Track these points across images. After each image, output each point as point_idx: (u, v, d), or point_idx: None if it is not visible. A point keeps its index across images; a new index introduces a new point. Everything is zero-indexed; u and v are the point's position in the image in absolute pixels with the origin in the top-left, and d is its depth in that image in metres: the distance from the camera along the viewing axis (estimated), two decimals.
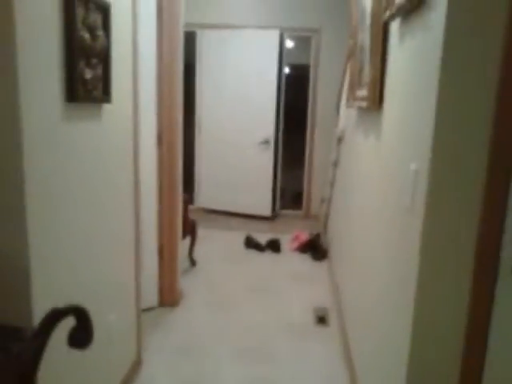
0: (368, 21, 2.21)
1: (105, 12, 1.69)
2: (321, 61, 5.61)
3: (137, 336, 2.44)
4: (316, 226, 5.37)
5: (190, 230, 3.86)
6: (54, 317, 1.12)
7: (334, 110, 5.31)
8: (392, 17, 1.76)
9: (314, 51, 5.63)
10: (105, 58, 1.73)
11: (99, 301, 1.92)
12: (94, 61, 1.64)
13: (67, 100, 1.52)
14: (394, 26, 1.85)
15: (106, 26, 1.71)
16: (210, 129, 5.79)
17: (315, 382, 2.44)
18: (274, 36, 5.36)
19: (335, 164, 4.47)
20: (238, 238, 4.86)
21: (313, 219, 5.78)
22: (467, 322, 1.32)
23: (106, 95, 1.77)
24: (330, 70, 5.53)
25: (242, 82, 5.54)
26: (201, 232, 4.36)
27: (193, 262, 4.03)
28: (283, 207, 6.15)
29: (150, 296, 3.12)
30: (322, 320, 3.09)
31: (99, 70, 1.69)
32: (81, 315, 1.18)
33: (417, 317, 1.36)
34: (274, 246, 4.57)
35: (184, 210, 3.50)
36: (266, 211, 5.71)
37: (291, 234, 4.91)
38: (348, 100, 3.24)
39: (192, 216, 4.09)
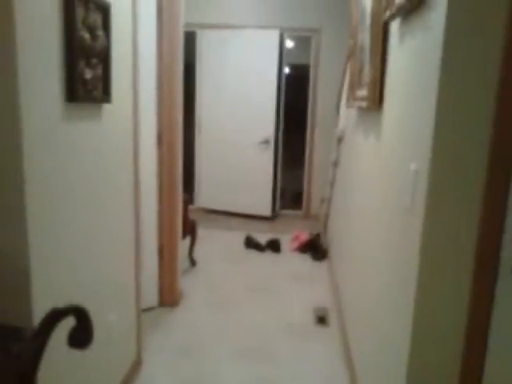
0: (368, 21, 2.21)
1: (105, 12, 1.69)
2: (321, 61, 5.61)
3: (137, 336, 2.44)
4: (316, 225, 5.37)
5: (189, 229, 3.86)
6: (54, 317, 1.12)
7: (333, 110, 5.31)
8: (392, 17, 1.76)
9: (314, 51, 5.63)
10: (105, 58, 1.73)
11: (99, 301, 1.92)
12: (94, 61, 1.64)
13: (67, 100, 1.52)
14: (394, 26, 1.85)
15: (106, 25, 1.71)
16: (210, 129, 5.79)
17: (315, 382, 2.44)
18: (273, 36, 5.36)
19: (335, 164, 4.47)
20: (238, 238, 4.86)
21: (313, 219, 5.78)
22: (467, 322, 1.32)
23: (105, 95, 1.77)
24: (330, 70, 5.53)
25: (241, 81, 5.54)
26: (201, 232, 4.36)
27: (193, 262, 4.03)
28: (283, 207, 6.15)
29: (150, 296, 3.12)
30: (322, 320, 3.09)
31: (99, 70, 1.69)
32: (81, 315, 1.18)
33: (417, 317, 1.36)
34: (274, 246, 4.57)
35: (184, 210, 3.50)
36: (266, 211, 5.71)
37: (291, 234, 4.91)
38: (348, 100, 3.24)
39: (192, 216, 4.09)
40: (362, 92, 2.40)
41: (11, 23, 1.22)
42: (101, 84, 1.72)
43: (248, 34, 5.46)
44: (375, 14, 2.04)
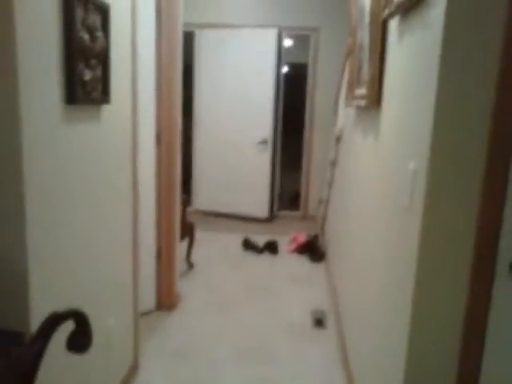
0: (367, 19, 2.22)
1: (104, 13, 1.68)
2: (319, 59, 5.61)
3: (134, 340, 2.43)
4: (314, 227, 5.37)
5: (187, 231, 3.85)
6: (54, 321, 1.11)
7: (332, 109, 5.31)
8: (391, 15, 1.76)
9: (313, 50, 5.64)
10: (104, 59, 1.72)
11: (97, 304, 1.91)
12: (94, 62, 1.64)
13: (66, 102, 1.51)
14: (393, 24, 1.85)
15: (105, 26, 1.70)
16: (209, 129, 5.78)
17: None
18: (272, 35, 5.36)
19: (333, 164, 4.48)
20: (236, 239, 4.85)
21: (310, 220, 5.78)
22: (465, 322, 1.32)
23: (105, 96, 1.76)
24: (329, 68, 5.53)
25: (240, 81, 5.54)
26: (198, 234, 4.35)
27: (190, 265, 4.02)
28: (281, 208, 6.15)
29: (148, 299, 3.10)
30: (319, 322, 3.09)
31: (98, 71, 1.69)
32: (80, 319, 1.17)
33: (415, 317, 1.36)
34: (271, 247, 4.57)
35: (182, 212, 3.50)
36: (264, 213, 5.70)
37: (289, 236, 4.91)
38: (347, 99, 3.25)
39: (190, 218, 4.08)
40: (361, 91, 2.41)
41: (11, 24, 1.21)
42: (100, 85, 1.72)
43: (246, 34, 5.45)
44: (374, 12, 2.04)
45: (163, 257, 3.14)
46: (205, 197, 5.92)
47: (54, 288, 1.53)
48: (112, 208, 2.00)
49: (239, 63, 5.51)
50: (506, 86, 1.18)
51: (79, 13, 1.50)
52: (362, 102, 2.34)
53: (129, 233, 2.25)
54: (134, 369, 2.43)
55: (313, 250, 4.51)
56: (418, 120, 1.39)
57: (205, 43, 5.59)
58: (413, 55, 1.52)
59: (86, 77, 1.58)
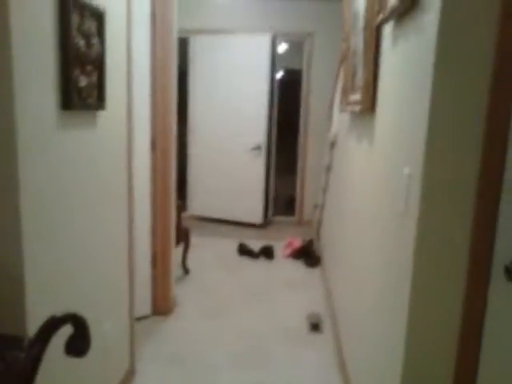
0: (361, 24, 2.23)
1: (99, 19, 1.69)
2: (313, 65, 5.63)
3: (130, 345, 2.42)
4: (309, 232, 5.37)
5: (183, 237, 3.84)
6: (53, 325, 1.11)
7: (326, 115, 5.33)
8: (385, 20, 1.77)
9: (307, 55, 5.66)
10: (99, 65, 1.73)
11: (93, 309, 1.90)
12: (89, 68, 1.64)
13: (62, 108, 1.51)
14: (387, 29, 1.86)
15: (101, 33, 1.71)
16: (203, 135, 5.79)
17: None
18: (266, 40, 5.37)
19: (328, 169, 4.49)
20: (231, 245, 4.85)
21: (306, 225, 5.79)
22: (461, 325, 1.33)
23: (100, 102, 1.76)
24: (323, 74, 5.55)
25: (234, 87, 5.54)
26: (194, 240, 4.35)
27: (186, 270, 4.01)
28: (276, 213, 6.15)
29: (144, 304, 3.09)
30: (315, 327, 3.08)
31: (94, 77, 1.69)
32: (79, 323, 1.17)
33: (411, 321, 1.37)
34: (267, 252, 4.57)
35: (177, 217, 3.49)
36: (258, 219, 5.70)
37: (284, 241, 4.91)
38: (341, 104, 3.26)
39: (185, 224, 4.07)
40: (355, 96, 2.42)
41: (7, 30, 1.21)
42: (95, 91, 1.72)
43: (240, 39, 5.47)
44: (368, 18, 2.05)
45: (159, 262, 3.13)
46: (200, 202, 5.91)
47: (51, 293, 1.52)
48: (107, 213, 1.99)
49: (233, 69, 5.52)
50: (500, 89, 1.19)
51: (75, 19, 1.51)
52: (357, 108, 2.35)
53: (124, 238, 2.24)
54: (130, 373, 2.42)
55: (308, 254, 4.51)
56: (413, 125, 1.40)
57: (199, 49, 5.61)
58: (407, 60, 1.53)
59: (81, 83, 1.59)
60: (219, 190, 5.78)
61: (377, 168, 1.96)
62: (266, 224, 5.81)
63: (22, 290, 1.36)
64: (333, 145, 4.29)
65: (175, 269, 3.45)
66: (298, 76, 5.95)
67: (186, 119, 5.73)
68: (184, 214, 5.09)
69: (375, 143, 2.03)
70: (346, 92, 2.92)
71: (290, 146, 6.39)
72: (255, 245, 4.73)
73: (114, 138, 2.03)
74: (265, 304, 3.48)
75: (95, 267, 1.89)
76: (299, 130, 5.84)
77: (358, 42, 2.33)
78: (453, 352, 1.35)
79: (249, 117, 5.55)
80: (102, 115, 1.85)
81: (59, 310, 1.17)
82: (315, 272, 4.25)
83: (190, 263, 4.14)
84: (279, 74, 6.59)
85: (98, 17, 1.68)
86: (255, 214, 5.70)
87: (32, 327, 1.39)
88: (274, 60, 5.58)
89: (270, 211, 6.04)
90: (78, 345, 1.19)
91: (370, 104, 2.05)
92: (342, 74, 3.58)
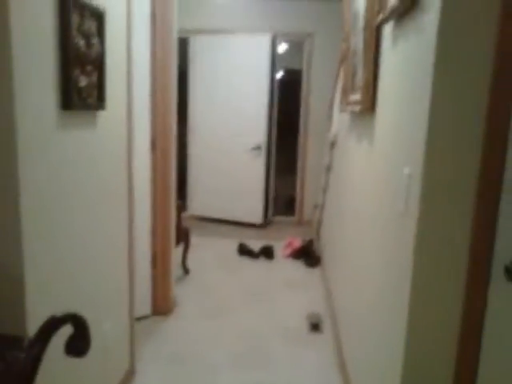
0: (361, 24, 2.23)
1: (100, 19, 1.69)
2: (313, 65, 5.63)
3: (130, 345, 2.42)
4: (309, 232, 5.37)
5: (183, 237, 3.84)
6: (53, 325, 1.11)
7: (326, 115, 5.33)
8: (385, 20, 1.77)
9: (307, 55, 5.66)
10: (99, 65, 1.73)
11: (93, 309, 1.90)
12: (89, 68, 1.64)
13: (62, 108, 1.51)
14: (387, 30, 1.86)
15: (101, 33, 1.71)
16: (203, 135, 5.79)
17: None
18: (266, 41, 5.37)
19: (328, 169, 4.49)
20: (231, 245, 4.85)
21: (306, 225, 5.79)
22: (461, 326, 1.33)
23: (100, 102, 1.76)
24: (323, 74, 5.54)
25: (234, 87, 5.55)
26: (194, 240, 4.35)
27: (186, 270, 4.01)
28: (276, 213, 6.15)
29: (144, 304, 3.09)
30: (315, 327, 3.08)
31: (94, 78, 1.69)
32: (79, 323, 1.17)
33: (411, 321, 1.37)
34: (267, 252, 4.57)
35: (177, 217, 3.49)
36: (258, 219, 5.70)
37: (284, 241, 4.91)
38: (341, 104, 3.26)
39: (185, 224, 4.07)
40: (355, 96, 2.42)
41: (7, 30, 1.22)
42: (95, 91, 1.72)
43: (240, 39, 5.47)
44: (368, 18, 2.05)
45: (159, 262, 3.13)
46: (200, 202, 5.92)
47: (51, 293, 1.52)
48: (107, 213, 1.99)
49: (233, 69, 5.52)
50: (500, 89, 1.19)
51: (75, 19, 1.51)
52: (357, 108, 2.35)
53: (124, 238, 2.24)
54: (130, 373, 2.42)
55: (308, 254, 4.51)
56: (413, 125, 1.40)
57: (199, 49, 5.61)
58: (407, 60, 1.53)
59: (81, 83, 1.59)
60: (219, 189, 5.78)
61: (377, 168, 1.96)
62: (266, 224, 5.81)
63: (22, 290, 1.36)
64: (333, 145, 4.29)
65: (175, 269, 3.45)
66: (298, 76, 5.95)
67: (186, 119, 5.73)
68: (184, 214, 5.09)
69: (375, 143, 2.03)
70: (345, 92, 2.92)
71: (290, 146, 6.39)
72: (255, 245, 4.73)
73: (114, 138, 2.03)
74: (265, 304, 3.48)
75: (95, 267, 1.89)
76: (299, 129, 5.84)
77: (358, 42, 2.33)
78: (453, 352, 1.35)
79: (249, 117, 5.55)
80: (101, 115, 1.85)
81: (59, 310, 1.17)
82: (315, 272, 4.25)
83: (190, 263, 4.14)
84: (279, 74, 6.58)
85: (98, 17, 1.68)
86: (255, 214, 5.70)
87: (32, 327, 1.39)
88: (274, 60, 5.57)
89: (270, 211, 6.04)
90: (78, 345, 1.19)
91: (369, 104, 2.05)
92: (341, 74, 3.58)
